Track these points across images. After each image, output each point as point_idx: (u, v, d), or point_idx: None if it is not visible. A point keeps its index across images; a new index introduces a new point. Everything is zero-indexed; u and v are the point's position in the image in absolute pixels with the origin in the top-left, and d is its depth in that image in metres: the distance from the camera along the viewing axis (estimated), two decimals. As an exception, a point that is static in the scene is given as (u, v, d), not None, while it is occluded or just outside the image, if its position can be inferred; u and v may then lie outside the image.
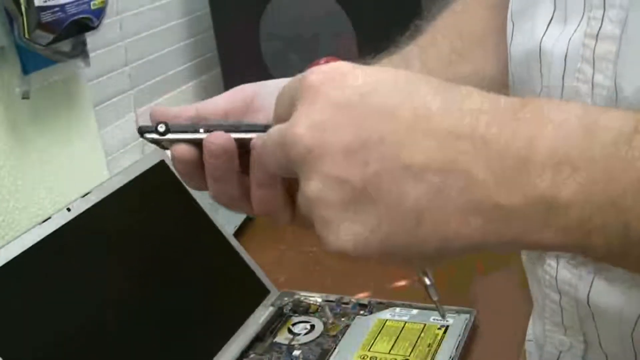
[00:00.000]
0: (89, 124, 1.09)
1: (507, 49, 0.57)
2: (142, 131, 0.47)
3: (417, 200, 0.36)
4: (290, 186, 0.48)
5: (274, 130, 0.42)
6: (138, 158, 0.97)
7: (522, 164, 0.35)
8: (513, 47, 0.57)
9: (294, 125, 0.38)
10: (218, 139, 0.46)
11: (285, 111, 0.41)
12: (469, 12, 0.68)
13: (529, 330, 0.75)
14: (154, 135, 0.47)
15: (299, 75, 0.40)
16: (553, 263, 0.58)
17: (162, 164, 0.88)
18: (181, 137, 0.47)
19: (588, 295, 0.56)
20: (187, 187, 0.89)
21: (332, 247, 0.38)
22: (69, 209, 0.77)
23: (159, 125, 0.46)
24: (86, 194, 0.79)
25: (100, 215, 0.80)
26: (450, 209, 0.35)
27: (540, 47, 0.52)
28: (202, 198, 0.91)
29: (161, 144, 0.49)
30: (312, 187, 0.38)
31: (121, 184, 0.83)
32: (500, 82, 0.61)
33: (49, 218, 0.75)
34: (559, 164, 0.35)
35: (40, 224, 0.74)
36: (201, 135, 0.46)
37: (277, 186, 0.47)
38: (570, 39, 0.50)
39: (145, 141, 0.49)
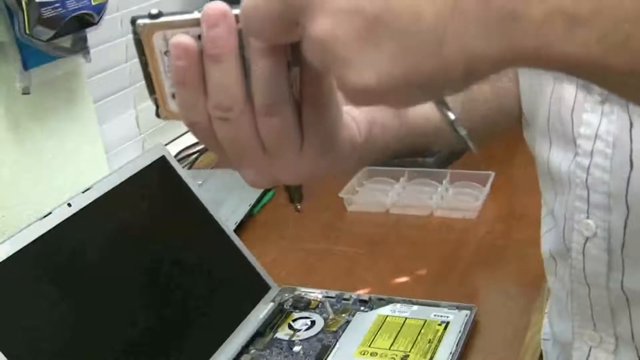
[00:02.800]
0: (89, 120, 1.09)
1: None
2: (134, 19, 0.43)
3: (434, 18, 0.34)
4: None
5: None
6: (138, 154, 0.97)
7: None
8: None
9: None
10: (216, 5, 0.41)
11: None
12: None
13: (545, 329, 0.74)
14: (146, 20, 0.43)
15: None
16: (579, 257, 0.58)
17: (162, 159, 0.88)
18: (176, 18, 0.42)
19: (622, 282, 0.56)
20: (188, 184, 0.90)
21: (354, 86, 0.35)
22: (69, 205, 0.77)
23: (152, 10, 0.42)
24: (86, 190, 0.79)
25: (100, 211, 0.80)
26: (471, 24, 0.34)
27: None
28: (203, 194, 0.91)
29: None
30: (322, 26, 0.35)
31: (121, 180, 0.83)
32: None
33: (50, 213, 0.75)
34: None
35: (40, 219, 0.74)
36: (198, 15, 0.41)
37: (281, 56, 0.41)
38: None
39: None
